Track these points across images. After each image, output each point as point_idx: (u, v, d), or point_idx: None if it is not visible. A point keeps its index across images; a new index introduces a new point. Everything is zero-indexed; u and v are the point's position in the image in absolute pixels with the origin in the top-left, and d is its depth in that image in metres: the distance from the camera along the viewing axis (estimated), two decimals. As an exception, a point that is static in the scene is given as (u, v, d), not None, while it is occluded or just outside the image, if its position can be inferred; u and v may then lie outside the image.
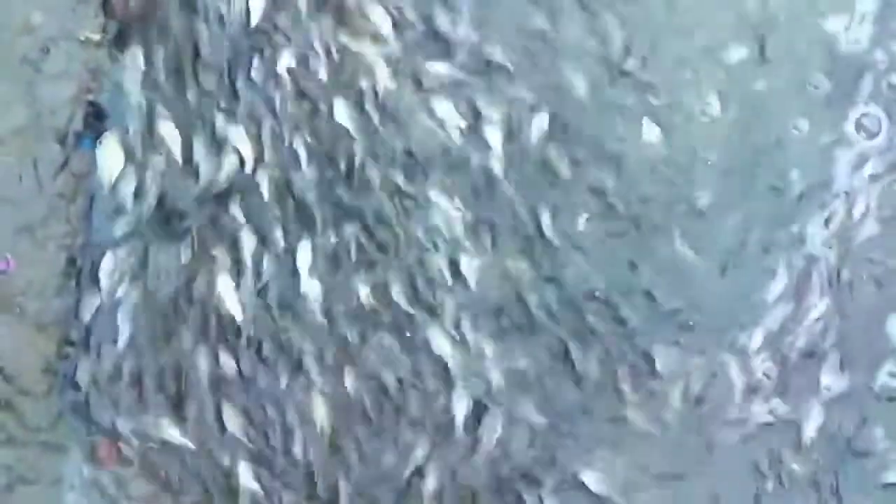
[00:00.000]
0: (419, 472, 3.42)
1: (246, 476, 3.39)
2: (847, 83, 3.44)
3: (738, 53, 3.42)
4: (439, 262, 3.40)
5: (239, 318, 3.39)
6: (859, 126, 3.44)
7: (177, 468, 3.41)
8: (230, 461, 3.40)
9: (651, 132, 3.38)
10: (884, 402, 3.39)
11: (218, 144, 3.40)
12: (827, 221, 3.42)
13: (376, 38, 3.39)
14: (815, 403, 3.40)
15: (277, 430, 3.41)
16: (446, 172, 3.40)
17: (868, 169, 3.43)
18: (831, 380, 3.39)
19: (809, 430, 3.39)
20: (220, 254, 3.41)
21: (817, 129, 3.43)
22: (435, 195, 3.40)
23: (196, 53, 3.39)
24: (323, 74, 3.40)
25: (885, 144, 3.44)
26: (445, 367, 3.39)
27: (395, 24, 3.40)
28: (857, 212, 3.42)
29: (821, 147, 3.43)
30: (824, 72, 3.44)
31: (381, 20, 3.39)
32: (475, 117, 3.40)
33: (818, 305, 3.40)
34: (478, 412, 3.40)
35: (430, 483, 3.42)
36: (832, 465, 3.39)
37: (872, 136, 3.45)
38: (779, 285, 3.40)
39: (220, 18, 3.38)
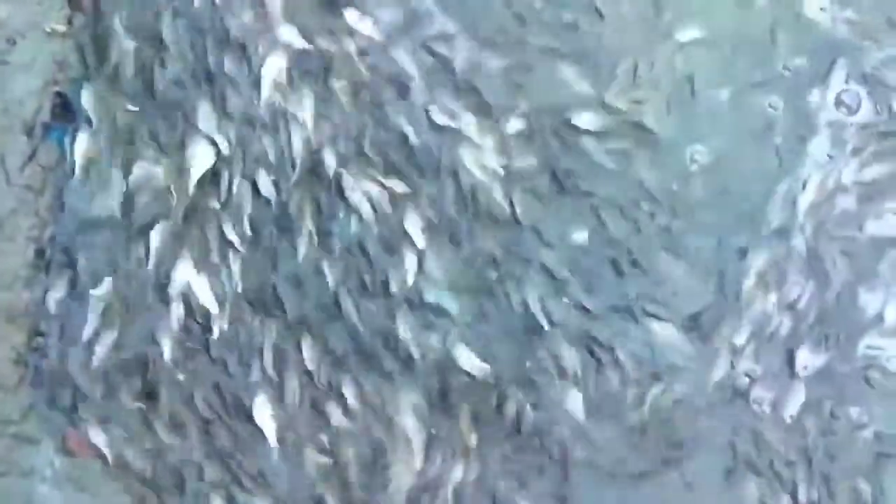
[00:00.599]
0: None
1: (217, 467, 3.38)
2: (823, 60, 3.41)
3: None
4: (413, 255, 3.38)
5: (214, 310, 3.37)
6: (839, 102, 3.40)
7: (148, 459, 3.39)
8: (200, 453, 3.38)
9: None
10: (864, 375, 3.32)
11: (191, 135, 3.40)
12: (804, 198, 3.37)
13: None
14: (796, 383, 3.34)
15: (247, 423, 3.39)
16: (423, 169, 3.39)
17: (844, 144, 3.38)
18: (810, 358, 3.34)
19: (790, 410, 3.33)
20: (194, 245, 3.41)
21: (794, 107, 3.39)
22: (410, 186, 3.39)
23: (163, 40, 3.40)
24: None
25: (862, 119, 3.39)
26: (411, 358, 3.36)
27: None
28: (832, 186, 3.36)
29: (799, 124, 3.40)
30: (800, 49, 3.40)
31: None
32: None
33: (797, 285, 3.35)
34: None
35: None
36: (815, 442, 3.32)
37: (852, 112, 3.40)
38: (760, 270, 3.36)
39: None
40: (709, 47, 3.41)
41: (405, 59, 3.40)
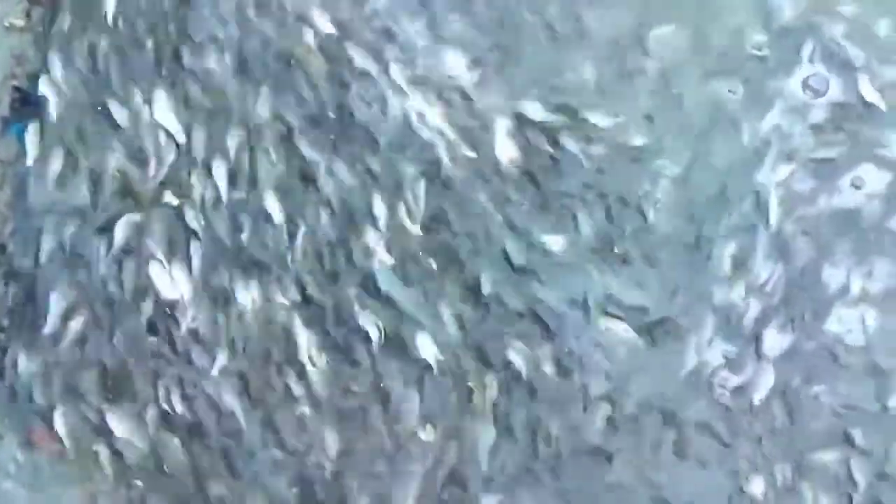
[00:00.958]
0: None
1: (182, 457, 3.36)
2: (789, 45, 3.43)
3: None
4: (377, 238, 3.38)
5: (178, 303, 3.36)
6: (805, 86, 3.41)
7: (111, 453, 3.37)
8: (164, 444, 3.37)
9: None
10: (830, 352, 3.31)
11: (150, 128, 3.40)
12: (769, 181, 3.37)
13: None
14: (765, 366, 3.32)
15: (213, 414, 3.37)
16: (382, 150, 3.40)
17: (807, 123, 3.39)
18: (778, 339, 3.32)
19: (760, 394, 3.31)
20: (157, 238, 3.40)
21: (760, 92, 3.40)
22: (374, 175, 3.39)
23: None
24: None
25: (826, 100, 3.39)
26: (368, 339, 3.35)
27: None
28: (796, 165, 3.36)
29: (763, 108, 3.40)
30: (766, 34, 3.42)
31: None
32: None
33: (766, 268, 3.34)
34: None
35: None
36: (786, 421, 3.31)
37: (819, 95, 3.41)
38: (731, 258, 3.35)
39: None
40: (678, 37, 3.42)
41: (363, 54, 3.41)
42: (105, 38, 3.43)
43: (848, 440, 3.27)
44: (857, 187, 3.34)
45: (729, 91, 3.40)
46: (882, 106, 3.37)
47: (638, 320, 3.33)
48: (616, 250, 3.35)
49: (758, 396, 3.31)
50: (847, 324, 3.31)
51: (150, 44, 3.43)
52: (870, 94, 3.38)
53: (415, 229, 3.37)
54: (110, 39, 3.43)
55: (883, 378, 3.28)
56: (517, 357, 3.30)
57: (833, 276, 3.32)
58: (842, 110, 3.39)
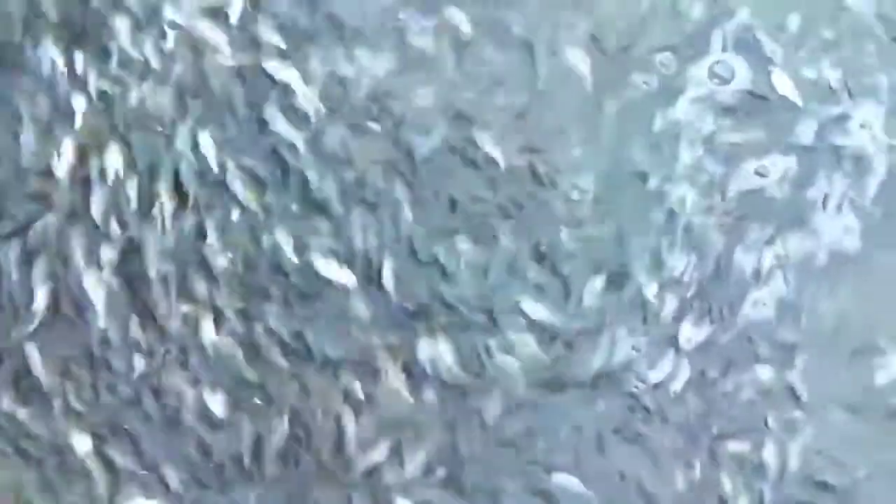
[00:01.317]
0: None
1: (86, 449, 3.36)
2: (699, 34, 3.46)
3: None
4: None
5: (98, 304, 3.36)
6: (712, 74, 3.42)
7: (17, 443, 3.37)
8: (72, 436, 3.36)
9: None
10: (747, 338, 3.35)
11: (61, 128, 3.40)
12: (679, 170, 3.40)
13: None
14: (680, 358, 3.33)
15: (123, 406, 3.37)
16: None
17: (715, 112, 3.41)
18: (694, 332, 3.33)
19: (675, 386, 3.32)
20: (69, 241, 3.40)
21: (669, 84, 3.43)
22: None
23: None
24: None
25: (733, 87, 3.41)
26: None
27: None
28: (703, 155, 3.39)
29: (672, 100, 3.43)
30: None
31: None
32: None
33: (681, 261, 3.35)
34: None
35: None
36: (704, 412, 3.34)
37: (725, 82, 3.42)
38: (644, 253, 3.37)
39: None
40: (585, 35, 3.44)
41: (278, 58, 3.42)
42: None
43: (765, 426, 3.29)
44: (763, 175, 3.36)
45: (644, 83, 3.41)
46: (793, 95, 3.39)
47: (547, 326, 3.35)
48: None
49: (673, 389, 3.32)
50: (760, 303, 3.32)
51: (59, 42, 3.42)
52: (781, 83, 3.40)
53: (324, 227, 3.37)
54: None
55: (790, 352, 3.31)
56: (425, 353, 3.31)
57: (746, 261, 3.33)
58: (750, 98, 3.41)
